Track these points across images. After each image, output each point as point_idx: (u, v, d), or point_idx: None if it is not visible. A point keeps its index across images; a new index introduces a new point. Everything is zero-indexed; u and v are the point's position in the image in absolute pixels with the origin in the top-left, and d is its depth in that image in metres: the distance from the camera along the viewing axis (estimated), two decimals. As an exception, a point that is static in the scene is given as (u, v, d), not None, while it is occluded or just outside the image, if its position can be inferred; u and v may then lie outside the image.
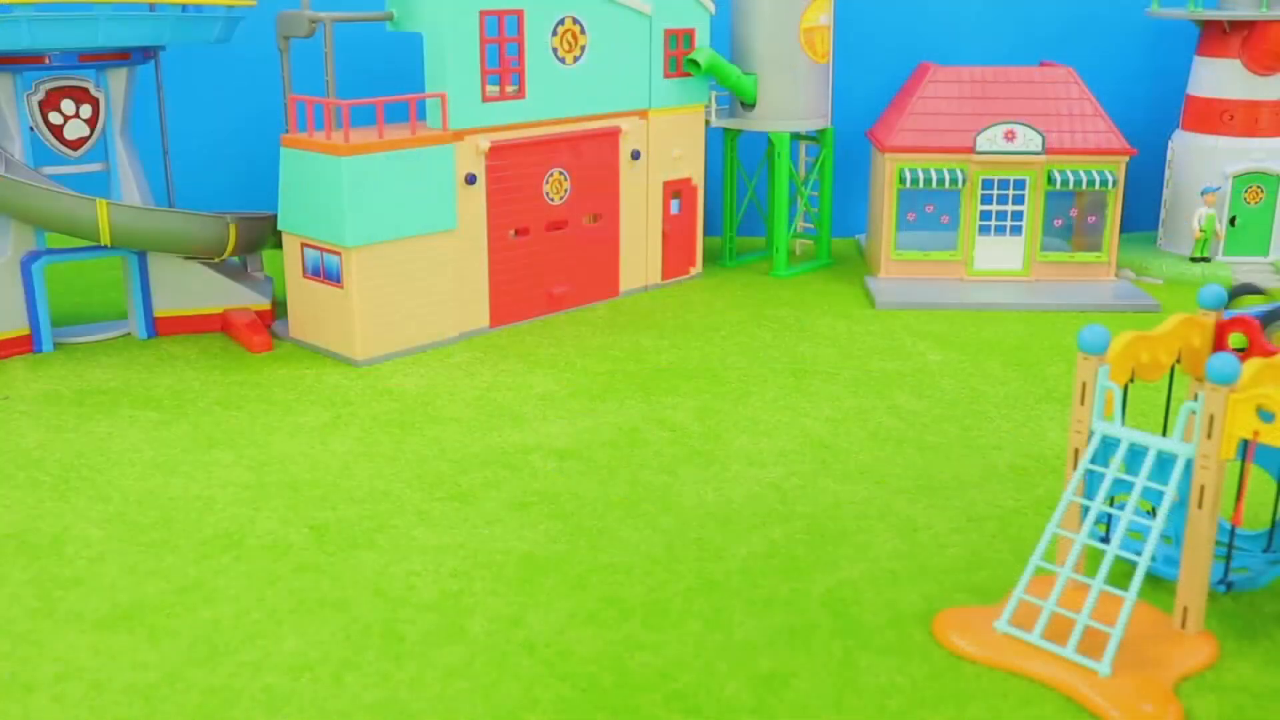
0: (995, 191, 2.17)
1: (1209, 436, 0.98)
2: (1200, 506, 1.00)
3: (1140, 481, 1.03)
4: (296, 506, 1.33)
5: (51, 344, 1.86)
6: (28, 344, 1.84)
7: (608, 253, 2.13)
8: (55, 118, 1.85)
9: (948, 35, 2.61)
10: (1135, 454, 1.04)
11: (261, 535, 1.26)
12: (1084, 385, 1.06)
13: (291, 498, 1.35)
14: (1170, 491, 1.01)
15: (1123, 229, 2.50)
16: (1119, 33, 2.64)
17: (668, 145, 2.18)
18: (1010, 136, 2.13)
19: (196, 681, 1.00)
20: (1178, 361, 1.14)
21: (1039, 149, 2.13)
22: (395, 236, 1.79)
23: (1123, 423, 1.05)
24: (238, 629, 1.08)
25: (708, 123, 2.26)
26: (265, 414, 1.60)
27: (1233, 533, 1.08)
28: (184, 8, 1.85)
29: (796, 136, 2.39)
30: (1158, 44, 2.64)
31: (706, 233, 2.39)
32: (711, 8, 2.19)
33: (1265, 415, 0.96)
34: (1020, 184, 2.16)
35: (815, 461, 1.45)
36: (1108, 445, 1.06)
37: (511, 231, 1.97)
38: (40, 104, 1.84)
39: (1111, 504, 1.11)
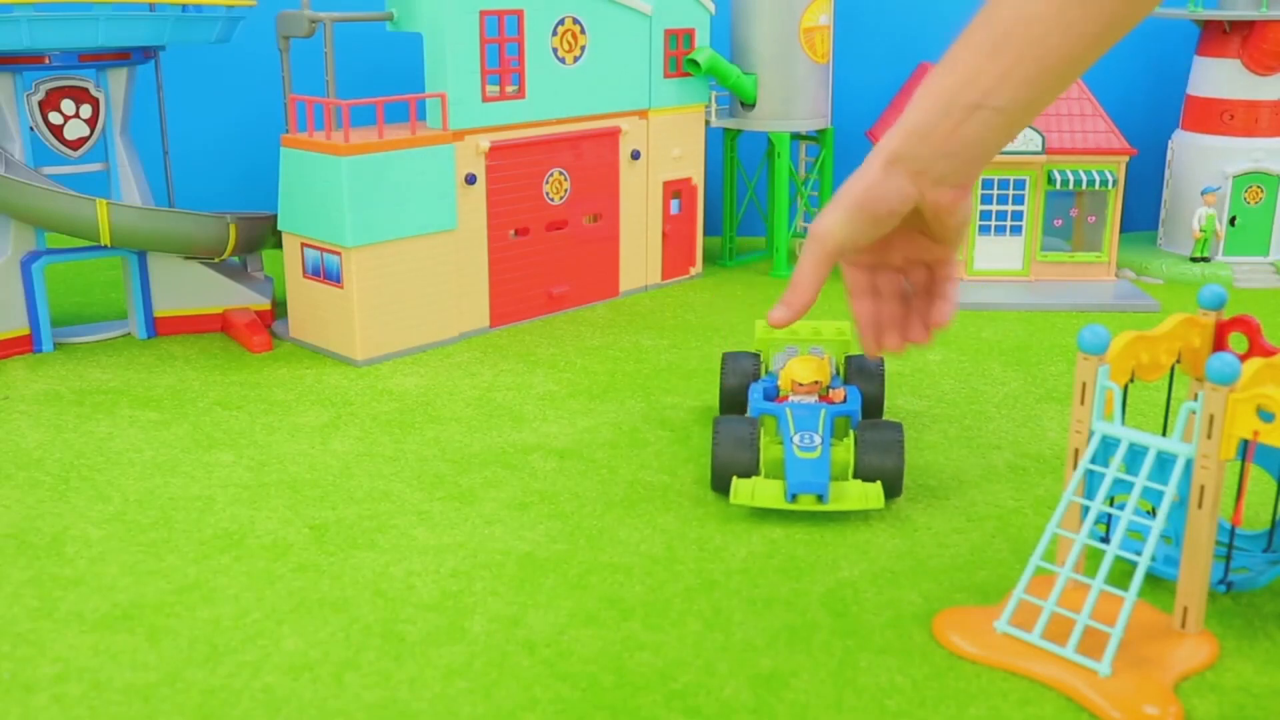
0: (995, 191, 2.17)
1: (1209, 436, 0.98)
2: (1200, 506, 1.00)
3: (1140, 481, 1.03)
4: (296, 506, 1.33)
5: (51, 344, 1.86)
6: (28, 344, 1.84)
7: (608, 253, 2.13)
8: (55, 118, 1.85)
9: (948, 35, 2.60)
10: (1135, 454, 1.04)
11: (261, 535, 1.26)
12: (1084, 385, 1.06)
13: (291, 498, 1.35)
14: (1170, 491, 1.01)
15: (1123, 229, 2.50)
16: (1119, 33, 2.64)
17: (668, 145, 2.18)
18: (1010, 136, 2.12)
19: (196, 681, 1.00)
20: (1178, 361, 1.14)
21: (1039, 149, 2.13)
22: (395, 236, 1.79)
23: (1122, 423, 1.05)
24: (238, 629, 1.08)
25: (708, 123, 2.26)
26: (265, 414, 1.60)
27: (1233, 533, 1.08)
28: (184, 8, 1.85)
29: (796, 136, 2.39)
30: (1158, 44, 2.65)
31: (706, 233, 2.39)
32: (711, 8, 2.19)
33: (1265, 415, 0.96)
34: (1020, 184, 2.16)
35: (815, 461, 1.44)
36: (1107, 445, 1.06)
37: (511, 231, 1.97)
38: (40, 104, 1.84)
39: (1111, 504, 1.11)
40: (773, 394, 1.44)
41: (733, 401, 1.52)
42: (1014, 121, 1.25)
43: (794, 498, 1.27)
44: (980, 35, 1.20)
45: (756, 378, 1.51)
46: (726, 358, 1.55)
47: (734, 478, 1.31)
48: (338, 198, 1.74)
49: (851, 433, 1.36)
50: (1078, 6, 1.14)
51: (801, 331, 1.55)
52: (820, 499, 1.27)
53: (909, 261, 1.40)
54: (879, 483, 1.30)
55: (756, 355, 1.53)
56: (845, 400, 1.41)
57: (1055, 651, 1.01)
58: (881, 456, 1.32)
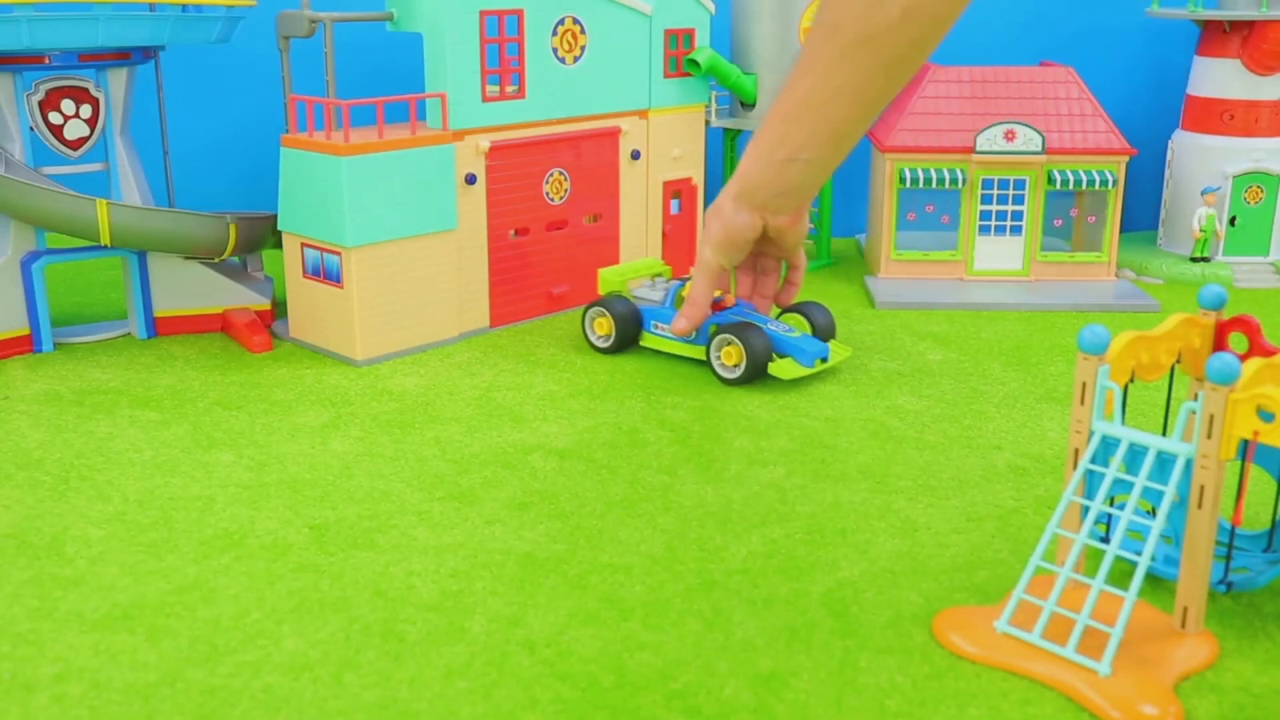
0: (995, 191, 2.17)
1: (1209, 436, 0.98)
2: (1200, 506, 1.00)
3: (1140, 481, 1.03)
4: (296, 506, 1.33)
5: (51, 344, 1.86)
6: (28, 344, 1.84)
7: (608, 253, 2.13)
8: (55, 118, 1.85)
9: (947, 35, 2.60)
10: (1135, 454, 1.04)
11: (261, 535, 1.26)
12: (1084, 385, 1.06)
13: (291, 498, 1.35)
14: (1170, 491, 1.01)
15: (1123, 229, 2.50)
16: (1119, 33, 2.65)
17: (668, 145, 2.18)
18: (1010, 136, 2.13)
19: (196, 681, 1.00)
20: (1178, 361, 1.14)
21: (1039, 149, 2.13)
22: (395, 236, 1.79)
23: (1122, 423, 1.05)
24: (238, 629, 1.08)
25: (708, 123, 2.26)
26: (265, 414, 1.60)
27: (1233, 533, 1.08)
28: (184, 8, 1.85)
29: (796, 136, 2.39)
30: (1158, 44, 2.65)
31: (706, 233, 2.39)
32: (711, 8, 2.19)
33: (1265, 415, 0.96)
34: (1020, 184, 2.16)
35: (815, 461, 1.45)
36: (1107, 445, 1.06)
37: (511, 231, 1.97)
38: (40, 104, 1.84)
39: (1111, 504, 1.11)
40: (672, 318, 1.78)
41: (627, 335, 1.83)
42: (825, 167, 1.63)
43: (814, 363, 1.70)
44: (786, 106, 1.68)
45: (636, 315, 1.83)
46: (611, 301, 1.83)
47: (768, 363, 1.68)
48: (338, 198, 1.74)
49: (796, 316, 1.80)
50: (856, 89, 1.49)
51: (642, 270, 1.91)
52: (823, 360, 1.71)
53: (767, 254, 1.76)
54: (834, 340, 1.79)
55: (623, 296, 1.86)
56: (737, 304, 1.79)
57: (1055, 651, 1.01)
58: (825, 320, 1.79)
